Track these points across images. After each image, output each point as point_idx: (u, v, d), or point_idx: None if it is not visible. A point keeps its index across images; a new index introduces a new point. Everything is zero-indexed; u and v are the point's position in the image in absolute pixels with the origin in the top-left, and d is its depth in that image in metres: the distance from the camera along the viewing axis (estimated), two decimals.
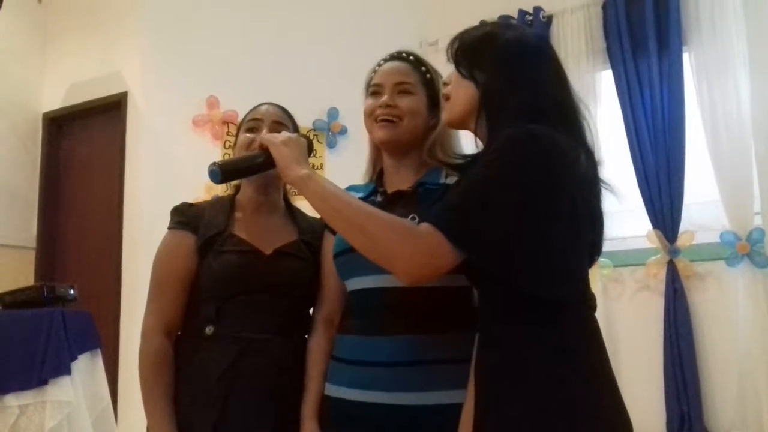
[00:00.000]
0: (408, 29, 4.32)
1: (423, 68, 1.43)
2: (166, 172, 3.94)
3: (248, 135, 1.51)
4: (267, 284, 1.45)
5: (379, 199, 1.41)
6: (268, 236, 1.51)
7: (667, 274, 3.45)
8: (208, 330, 1.42)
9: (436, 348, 1.24)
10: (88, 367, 2.93)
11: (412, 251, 1.03)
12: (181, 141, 4.08)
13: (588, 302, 1.10)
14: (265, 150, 1.30)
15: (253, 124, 1.54)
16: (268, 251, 1.48)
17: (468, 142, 1.36)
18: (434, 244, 1.01)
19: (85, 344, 2.92)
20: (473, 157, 1.26)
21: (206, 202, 1.66)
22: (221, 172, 1.28)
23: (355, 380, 1.28)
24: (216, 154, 4.10)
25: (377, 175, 1.48)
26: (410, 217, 1.22)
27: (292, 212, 1.62)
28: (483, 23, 1.24)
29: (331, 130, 4.37)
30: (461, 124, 1.22)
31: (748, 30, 3.36)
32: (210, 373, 1.39)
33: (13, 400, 2.57)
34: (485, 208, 1.01)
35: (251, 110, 1.58)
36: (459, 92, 1.19)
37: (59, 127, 4.64)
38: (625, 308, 3.53)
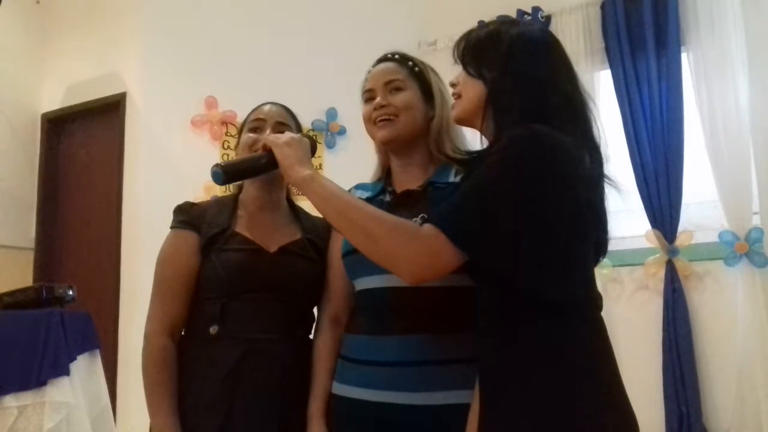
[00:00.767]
0: (406, 29, 4.32)
1: (410, 63, 1.44)
2: (164, 173, 3.94)
3: (251, 135, 1.51)
4: (271, 282, 1.45)
5: (387, 198, 1.41)
6: (271, 235, 1.51)
7: (666, 273, 3.45)
8: (213, 329, 1.42)
9: (444, 348, 1.24)
10: (86, 367, 2.93)
11: (414, 252, 1.03)
12: (179, 141, 4.08)
13: (593, 302, 1.10)
14: (268, 151, 1.30)
15: (256, 123, 1.54)
16: (272, 249, 1.48)
17: (473, 138, 1.35)
18: (436, 245, 1.01)
19: (84, 345, 2.92)
20: (479, 154, 1.26)
21: (209, 202, 1.66)
22: (224, 174, 1.28)
23: (363, 379, 1.29)
24: (215, 154, 4.10)
25: (386, 174, 1.48)
26: (420, 216, 1.22)
27: (296, 211, 1.62)
28: (486, 21, 1.24)
29: (329, 130, 4.37)
30: (470, 122, 1.22)
31: (746, 30, 3.36)
32: (215, 373, 1.39)
33: (11, 400, 2.56)
34: (488, 209, 1.00)
35: (254, 110, 1.58)
36: (467, 90, 1.19)
37: (58, 128, 4.64)
38: (623, 308, 3.53)
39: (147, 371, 1.41)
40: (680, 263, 3.44)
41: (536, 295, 1.03)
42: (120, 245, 4.07)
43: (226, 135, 4.14)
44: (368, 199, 1.44)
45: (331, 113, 4.35)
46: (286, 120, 1.56)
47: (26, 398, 2.57)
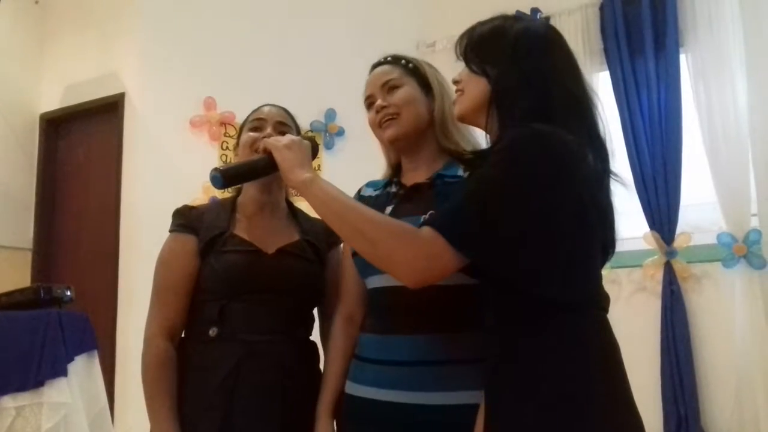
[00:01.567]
0: (405, 31, 4.33)
1: (403, 61, 1.44)
2: (163, 173, 3.93)
3: (252, 134, 1.51)
4: (270, 284, 1.44)
5: (394, 189, 1.41)
6: (270, 236, 1.51)
7: (664, 275, 3.46)
8: (212, 332, 1.42)
9: (454, 347, 1.24)
10: (84, 368, 2.92)
11: (413, 256, 1.02)
12: (178, 142, 4.07)
13: (599, 302, 1.08)
14: (268, 154, 1.29)
15: (256, 123, 1.54)
16: (271, 251, 1.48)
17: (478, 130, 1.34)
18: (435, 248, 1.00)
19: (82, 346, 2.91)
20: (482, 153, 1.24)
21: (207, 205, 1.66)
22: (223, 178, 1.27)
23: (375, 379, 1.29)
24: (213, 154, 4.10)
25: (396, 171, 1.47)
26: (428, 214, 1.22)
27: (294, 213, 1.62)
28: (490, 18, 1.23)
29: (328, 131, 4.37)
30: (473, 120, 1.21)
31: (744, 31, 3.37)
32: (214, 375, 1.39)
33: (9, 401, 2.56)
34: (487, 210, 0.99)
35: (254, 111, 1.58)
36: (470, 87, 1.18)
37: (56, 128, 4.63)
38: (622, 309, 3.53)
39: (147, 374, 1.41)
40: (678, 265, 3.45)
41: (538, 297, 1.03)
42: (118, 246, 4.07)
43: (225, 136, 4.13)
44: (375, 194, 1.45)
45: (330, 114, 4.35)
46: (286, 120, 1.56)
47: (24, 399, 2.57)
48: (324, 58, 4.26)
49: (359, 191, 1.51)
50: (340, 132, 4.36)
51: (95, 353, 3.05)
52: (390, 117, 1.37)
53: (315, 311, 1.59)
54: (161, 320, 1.44)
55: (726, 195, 3.35)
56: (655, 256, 3.50)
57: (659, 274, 3.48)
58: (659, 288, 3.47)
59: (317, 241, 1.54)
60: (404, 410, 1.23)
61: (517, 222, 0.99)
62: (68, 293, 2.97)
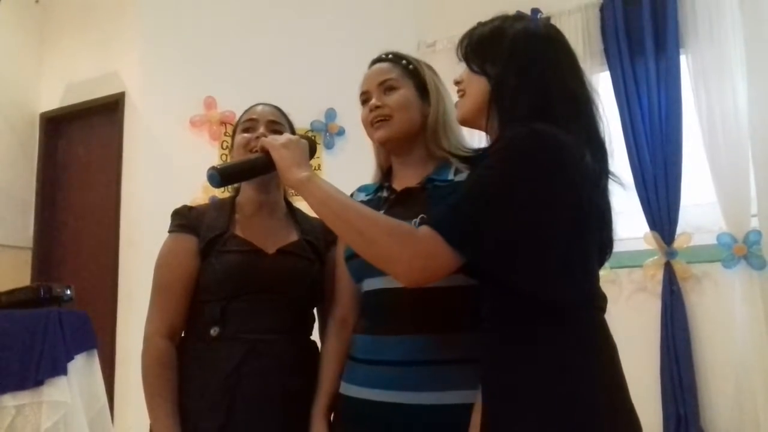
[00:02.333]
0: (405, 30, 4.32)
1: (404, 61, 1.43)
2: (163, 173, 3.93)
3: (245, 135, 1.51)
4: (270, 283, 1.45)
5: (385, 194, 1.41)
6: (270, 236, 1.51)
7: (664, 275, 3.46)
8: (213, 331, 1.42)
9: (450, 348, 1.24)
10: (84, 367, 2.92)
11: (411, 255, 1.02)
12: (178, 141, 4.08)
13: (596, 303, 1.08)
14: (265, 153, 1.29)
15: (249, 124, 1.53)
16: (271, 251, 1.48)
17: (471, 137, 1.34)
18: (433, 247, 1.00)
19: (82, 344, 2.91)
20: (483, 152, 1.24)
21: (206, 205, 1.66)
22: (220, 176, 1.27)
23: (369, 379, 1.28)
24: (213, 154, 4.10)
25: (386, 174, 1.47)
26: (420, 217, 1.22)
27: (293, 212, 1.62)
28: (491, 19, 1.23)
29: (328, 131, 4.37)
30: (475, 122, 1.20)
31: (745, 32, 3.37)
32: (216, 374, 1.39)
33: (9, 400, 2.56)
34: (485, 209, 0.99)
35: (246, 111, 1.58)
36: (472, 88, 1.18)
37: (56, 128, 4.63)
38: (622, 310, 3.54)
39: (147, 374, 1.41)
40: (678, 265, 3.45)
41: (535, 296, 1.03)
42: (118, 244, 4.07)
43: (225, 135, 4.13)
44: (367, 199, 1.44)
45: (330, 114, 4.35)
46: (279, 119, 1.56)
47: (24, 398, 2.57)
48: (324, 57, 4.26)
49: (350, 196, 1.50)
50: (341, 132, 4.36)
51: (95, 352, 3.06)
52: (382, 118, 1.37)
53: (315, 311, 1.59)
54: (161, 320, 1.44)
55: (726, 195, 3.35)
56: (655, 257, 3.50)
57: (659, 275, 3.48)
58: (659, 288, 3.47)
59: (316, 241, 1.54)
60: (397, 410, 1.23)
61: (514, 221, 0.99)
62: (68, 292, 2.97)
